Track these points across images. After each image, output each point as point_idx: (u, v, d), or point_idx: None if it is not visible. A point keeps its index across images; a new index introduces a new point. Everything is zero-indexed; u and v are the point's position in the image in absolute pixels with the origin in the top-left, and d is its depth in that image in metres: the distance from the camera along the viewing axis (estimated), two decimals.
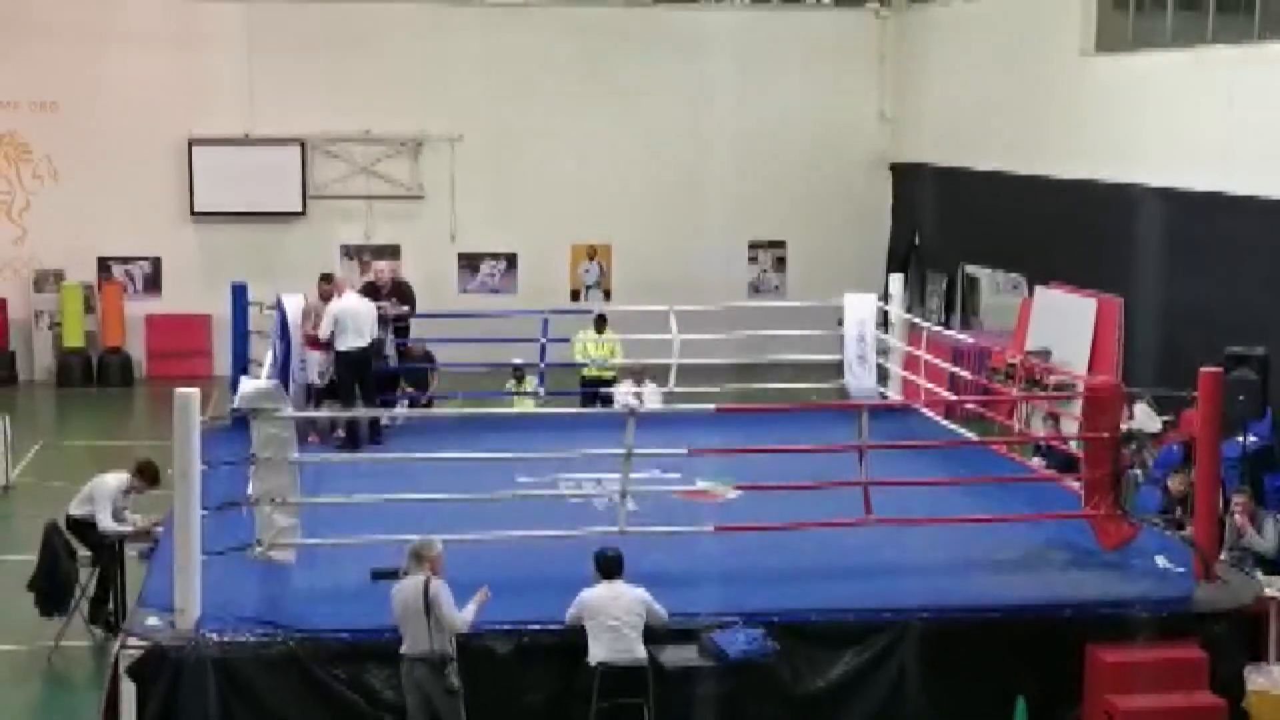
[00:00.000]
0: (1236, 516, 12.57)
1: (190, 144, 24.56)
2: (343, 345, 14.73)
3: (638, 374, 16.82)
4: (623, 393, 16.45)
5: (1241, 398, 13.37)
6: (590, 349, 17.91)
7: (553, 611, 9.95)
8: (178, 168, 24.65)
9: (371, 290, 15.79)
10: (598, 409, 16.60)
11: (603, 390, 17.34)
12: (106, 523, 12.19)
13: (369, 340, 14.88)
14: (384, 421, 15.06)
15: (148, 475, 12.48)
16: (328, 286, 15.51)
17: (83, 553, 12.35)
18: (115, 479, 12.42)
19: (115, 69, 24.33)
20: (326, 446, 14.71)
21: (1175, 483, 13.31)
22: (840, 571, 11.10)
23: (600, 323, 18.17)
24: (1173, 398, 13.78)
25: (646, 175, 25.98)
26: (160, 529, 11.78)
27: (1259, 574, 11.82)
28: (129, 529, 12.35)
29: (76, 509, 12.36)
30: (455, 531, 10.29)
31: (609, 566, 9.93)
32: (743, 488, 12.32)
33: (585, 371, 17.84)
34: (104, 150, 24.36)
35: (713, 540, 11.39)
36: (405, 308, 16.20)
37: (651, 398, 16.44)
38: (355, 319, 14.81)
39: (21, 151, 24.47)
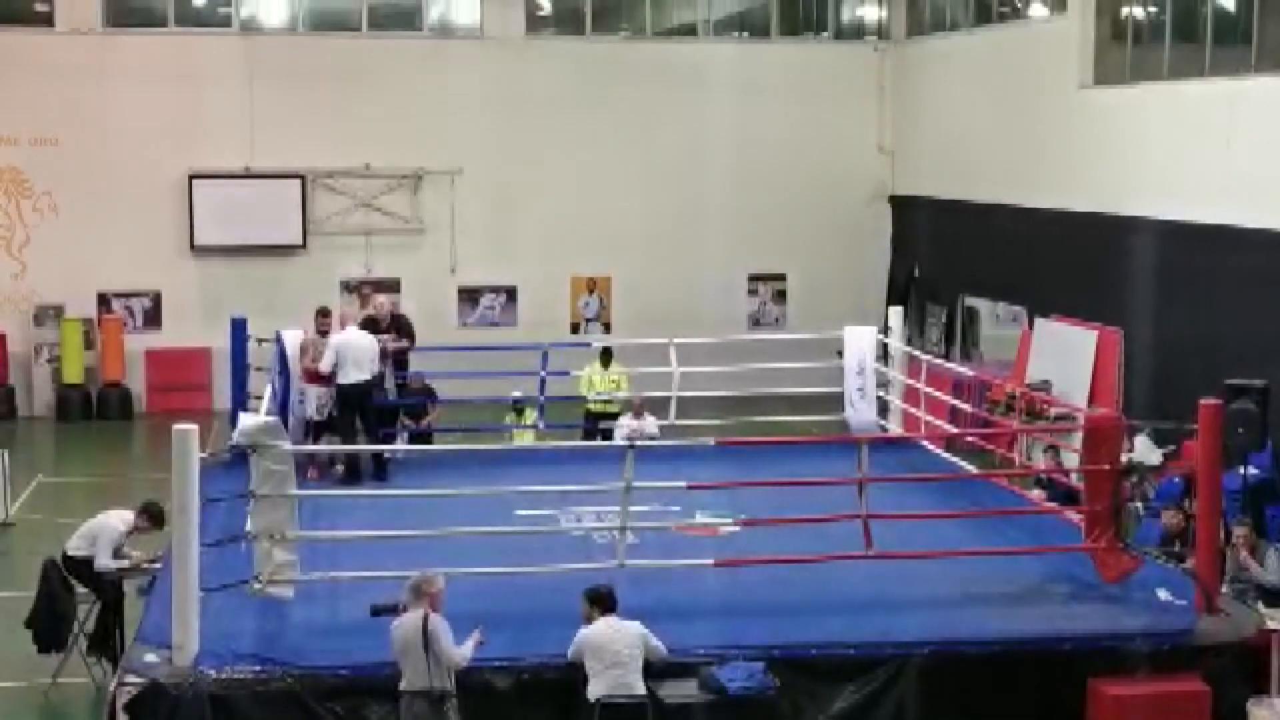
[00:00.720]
0: (1239, 549, 12.54)
1: (190, 178, 24.62)
2: (344, 379, 14.73)
3: (637, 407, 16.79)
4: (631, 426, 16.36)
5: (1241, 429, 13.36)
6: (597, 382, 17.88)
7: (552, 646, 9.90)
8: (178, 202, 24.69)
9: (371, 324, 15.79)
10: (597, 443, 16.57)
11: (604, 424, 17.30)
12: (104, 561, 12.13)
13: (369, 374, 14.88)
14: (386, 456, 15.03)
15: (153, 517, 12.40)
16: (325, 320, 15.54)
17: (81, 590, 12.27)
18: (120, 520, 12.33)
19: (116, 104, 24.40)
20: (325, 481, 14.68)
21: (1168, 516, 13.27)
22: (841, 605, 11.05)
23: (607, 356, 18.16)
24: (1174, 430, 13.75)
25: (646, 208, 26.03)
26: (158, 565, 11.74)
27: (1260, 606, 11.79)
28: (126, 564, 12.29)
29: (76, 548, 12.24)
30: (455, 566, 10.24)
31: (607, 602, 9.88)
32: (743, 522, 12.28)
33: (590, 405, 17.81)
34: (104, 185, 24.42)
35: (712, 574, 11.35)
36: (404, 341, 16.21)
37: (653, 430, 16.42)
38: (356, 353, 14.82)
39: (22, 186, 24.51)
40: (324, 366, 14.74)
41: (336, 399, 14.85)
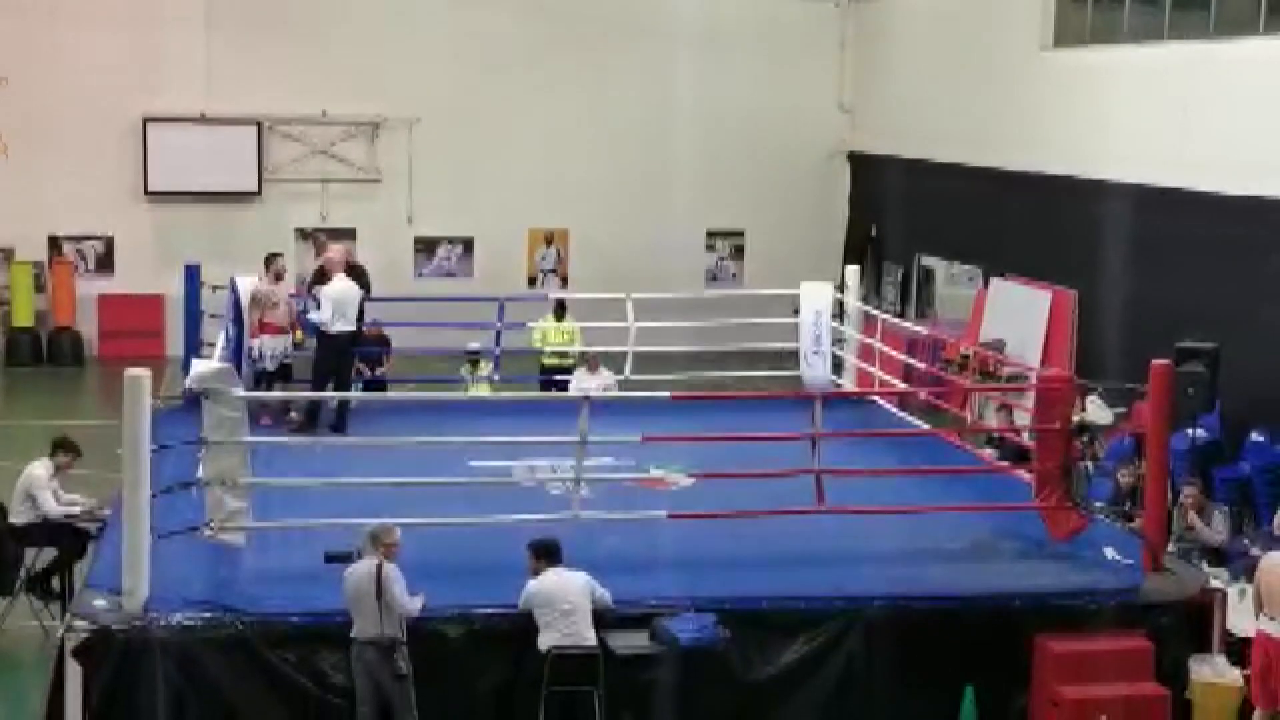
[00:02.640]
0: (1186, 509, 12.69)
1: (145, 122, 24.33)
2: (335, 328, 14.65)
3: (591, 361, 16.75)
4: (588, 380, 16.34)
5: (1191, 391, 13.49)
6: (550, 336, 17.83)
7: (504, 597, 9.93)
8: (132, 146, 24.40)
9: (325, 273, 15.68)
10: (552, 394, 16.57)
11: (559, 377, 17.27)
12: (51, 507, 12.06)
13: (354, 325, 14.84)
14: (353, 405, 14.96)
15: (68, 448, 12.39)
16: (279, 264, 15.47)
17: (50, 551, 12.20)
18: (42, 466, 12.27)
19: (68, 44, 24.02)
20: (278, 428, 14.60)
21: (1124, 475, 13.41)
22: (792, 560, 11.12)
23: (560, 309, 18.10)
24: (1126, 390, 13.87)
25: (605, 161, 25.93)
26: (108, 511, 11.67)
27: (1205, 565, 11.97)
28: (75, 510, 12.22)
29: (18, 515, 12.11)
30: (408, 515, 10.24)
31: (553, 553, 9.94)
32: (696, 475, 12.32)
33: (544, 359, 17.77)
34: (56, 127, 24.07)
35: (666, 527, 11.37)
36: (360, 291, 16.09)
37: (610, 384, 16.40)
38: (348, 304, 14.76)
39: None
40: (324, 317, 14.63)
41: (319, 348, 14.77)
